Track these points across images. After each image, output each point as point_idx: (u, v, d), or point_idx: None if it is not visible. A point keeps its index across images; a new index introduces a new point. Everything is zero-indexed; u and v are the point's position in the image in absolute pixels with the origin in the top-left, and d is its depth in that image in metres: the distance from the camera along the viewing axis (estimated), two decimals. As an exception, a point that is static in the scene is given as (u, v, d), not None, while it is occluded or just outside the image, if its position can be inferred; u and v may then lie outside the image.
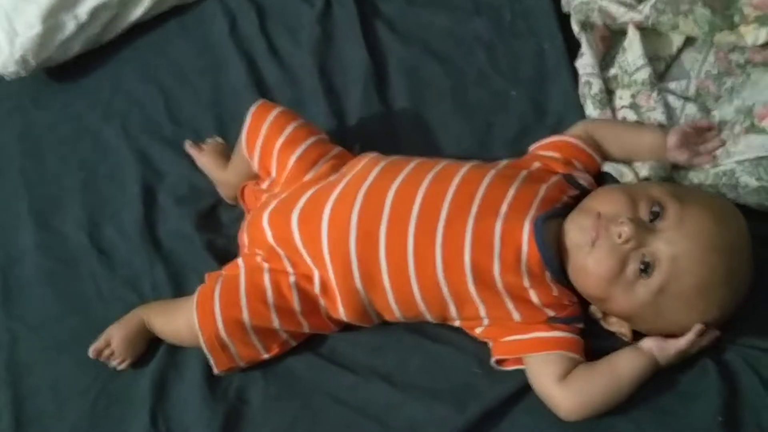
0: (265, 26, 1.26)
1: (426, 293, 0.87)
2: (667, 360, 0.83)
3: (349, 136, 1.09)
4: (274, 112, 0.98)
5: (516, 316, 0.86)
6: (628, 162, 0.96)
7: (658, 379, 0.85)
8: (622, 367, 0.83)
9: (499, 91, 1.12)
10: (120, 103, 1.23)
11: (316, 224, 0.90)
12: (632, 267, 0.81)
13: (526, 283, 0.85)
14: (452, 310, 0.88)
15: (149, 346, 0.98)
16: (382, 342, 0.93)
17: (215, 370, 0.92)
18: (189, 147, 1.11)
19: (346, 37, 1.21)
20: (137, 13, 1.28)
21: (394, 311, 0.90)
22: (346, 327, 0.95)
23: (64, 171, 1.17)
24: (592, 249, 0.83)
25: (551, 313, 0.86)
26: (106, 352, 0.95)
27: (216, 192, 1.10)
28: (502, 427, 0.85)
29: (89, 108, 1.24)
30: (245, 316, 0.89)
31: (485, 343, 0.90)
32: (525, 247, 0.84)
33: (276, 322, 0.89)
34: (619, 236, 0.81)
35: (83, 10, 1.24)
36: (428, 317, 0.90)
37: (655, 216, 0.82)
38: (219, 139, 1.12)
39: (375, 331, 0.94)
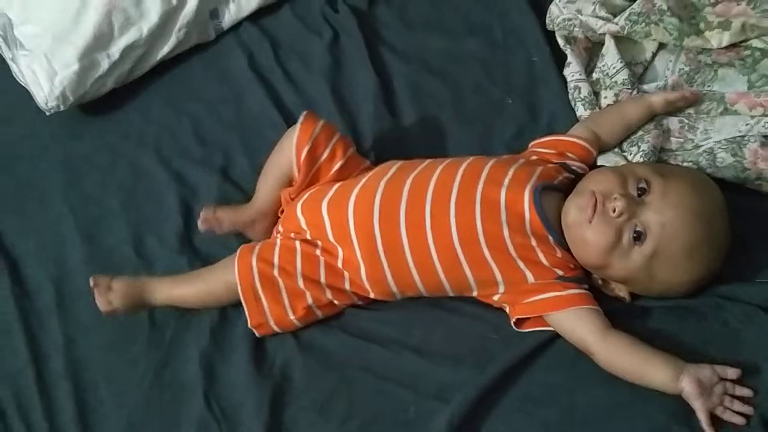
0: (279, 57, 1.39)
1: (444, 263, 0.98)
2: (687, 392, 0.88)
3: (363, 145, 1.21)
4: (320, 123, 1.09)
5: (529, 276, 0.97)
6: (625, 139, 1.10)
7: (659, 334, 0.95)
8: (657, 373, 0.90)
9: (496, 99, 1.25)
10: (151, 132, 1.34)
11: (344, 209, 1.02)
12: (627, 236, 0.93)
13: (533, 242, 0.96)
14: (470, 278, 0.99)
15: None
16: (406, 318, 1.04)
17: (249, 323, 1.02)
18: (204, 225, 1.12)
19: (354, 61, 1.34)
20: (164, 51, 1.41)
21: (416, 284, 1.01)
22: (370, 304, 1.05)
23: (104, 194, 1.27)
24: (590, 224, 0.94)
25: (560, 272, 0.97)
26: (101, 287, 1.06)
27: (249, 198, 1.20)
28: (520, 383, 0.95)
29: (122, 138, 1.35)
30: (276, 272, 1.01)
31: (500, 312, 1.01)
32: (527, 213, 0.96)
33: (300, 282, 1.00)
34: (614, 210, 0.93)
35: (115, 50, 1.36)
36: (447, 288, 1.01)
37: (642, 191, 0.95)
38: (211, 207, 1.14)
39: (399, 309, 1.05)
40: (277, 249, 1.03)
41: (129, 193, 1.27)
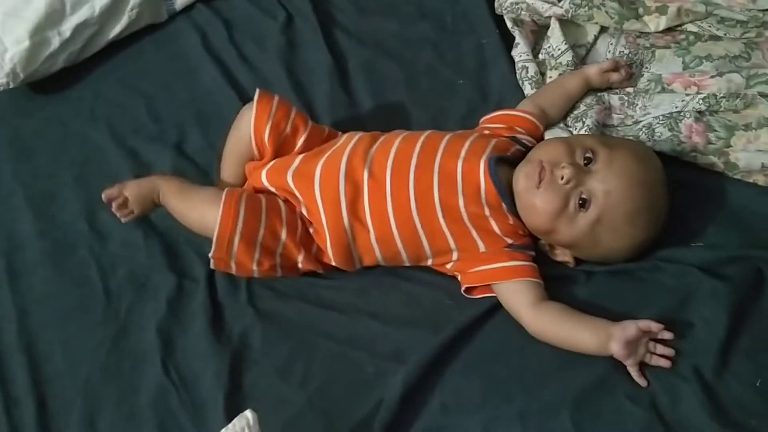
0: (233, 38, 1.40)
1: (402, 231, 1.02)
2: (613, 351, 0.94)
3: (320, 124, 1.24)
4: (275, 100, 1.11)
5: (481, 245, 1.01)
6: (569, 114, 1.17)
7: (601, 295, 1.01)
8: (584, 342, 0.96)
9: (447, 80, 1.29)
10: (103, 109, 1.34)
11: (310, 179, 1.04)
12: (573, 203, 0.98)
13: (487, 212, 1.01)
14: (425, 246, 1.03)
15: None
16: (364, 285, 1.07)
17: (212, 264, 1.04)
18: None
19: (309, 43, 1.37)
20: (115, 30, 1.40)
21: (375, 252, 1.04)
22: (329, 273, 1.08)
23: (56, 169, 1.27)
24: (538, 191, 0.99)
25: (509, 240, 1.01)
26: (119, 201, 1.07)
27: (204, 176, 1.21)
28: (474, 343, 1.00)
29: (74, 115, 1.34)
30: (261, 227, 1.02)
31: (454, 280, 1.05)
32: (482, 183, 1.01)
33: (283, 237, 1.02)
34: (561, 178, 0.98)
35: (67, 28, 1.35)
36: (404, 257, 1.05)
37: (589, 161, 1.00)
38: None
39: (357, 278, 1.08)
40: (264, 201, 1.04)
41: (82, 169, 1.26)
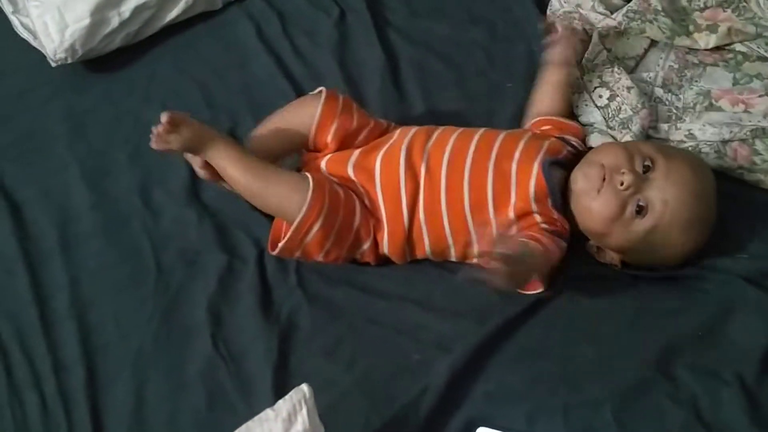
0: (287, 30, 1.43)
1: (454, 227, 1.05)
2: None
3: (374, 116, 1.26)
4: (340, 101, 1.12)
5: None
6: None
7: (646, 299, 1.03)
8: None
9: (496, 83, 1.32)
10: (157, 91, 1.37)
11: (370, 170, 1.07)
12: (630, 209, 1.01)
13: (534, 207, 1.03)
14: (473, 243, 1.05)
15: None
16: (410, 275, 1.10)
17: (274, 250, 1.05)
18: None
19: (361, 39, 1.40)
20: (172, 14, 1.44)
21: (425, 245, 1.07)
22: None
23: (109, 146, 1.29)
24: (597, 194, 1.01)
25: (544, 225, 1.03)
26: (167, 128, 1.03)
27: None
28: (517, 336, 1.02)
29: (127, 95, 1.37)
30: (338, 220, 1.03)
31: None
32: (533, 180, 1.03)
33: (354, 229, 1.04)
34: (621, 184, 1.00)
35: (126, 8, 1.39)
36: (452, 252, 1.08)
37: (647, 169, 1.02)
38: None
39: (403, 267, 1.11)
40: (342, 194, 1.04)
41: (135, 147, 1.28)
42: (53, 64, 1.37)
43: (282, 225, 1.08)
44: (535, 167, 1.04)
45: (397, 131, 1.14)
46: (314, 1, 1.47)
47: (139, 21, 1.41)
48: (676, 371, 0.96)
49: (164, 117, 1.03)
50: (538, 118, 1.19)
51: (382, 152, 1.09)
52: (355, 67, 1.36)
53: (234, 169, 1.06)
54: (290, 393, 0.86)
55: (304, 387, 0.86)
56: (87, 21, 1.36)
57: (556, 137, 1.13)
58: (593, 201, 1.02)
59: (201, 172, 1.14)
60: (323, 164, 1.12)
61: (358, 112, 1.14)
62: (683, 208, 1.00)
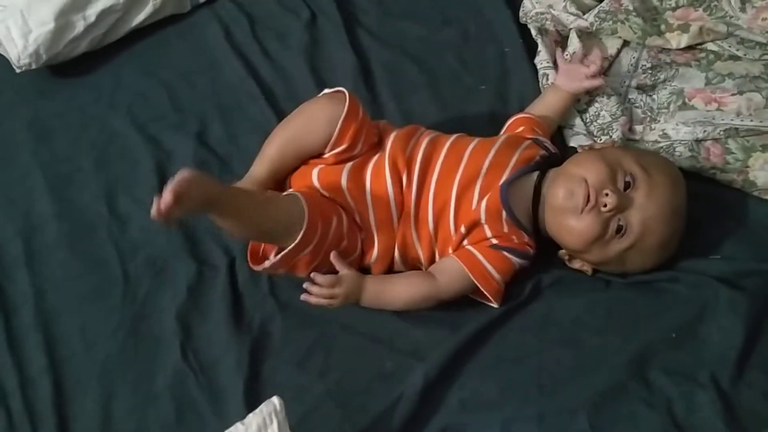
0: (256, 33, 1.41)
1: (420, 234, 1.06)
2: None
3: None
4: (362, 109, 1.07)
5: (465, 243, 1.04)
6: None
7: (619, 303, 1.03)
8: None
9: (469, 86, 1.31)
10: (124, 96, 1.34)
11: (362, 187, 1.05)
12: (611, 228, 1.00)
13: (483, 218, 1.03)
14: (436, 252, 1.06)
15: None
16: (384, 282, 1.08)
17: (274, 264, 0.99)
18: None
19: (333, 41, 1.38)
20: (139, 18, 1.41)
21: (395, 256, 1.07)
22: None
23: (75, 152, 1.26)
24: (581, 215, 1.00)
25: (495, 241, 1.03)
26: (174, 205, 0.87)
27: (224, 166, 1.22)
28: (492, 343, 1.01)
29: (94, 100, 1.34)
30: (328, 241, 1.00)
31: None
32: (487, 195, 1.03)
33: (342, 247, 1.02)
34: (605, 206, 0.99)
35: (92, 12, 1.36)
36: (421, 260, 1.07)
37: (628, 185, 1.01)
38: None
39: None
40: (333, 216, 1.01)
41: (101, 153, 1.26)
42: (17, 70, 1.34)
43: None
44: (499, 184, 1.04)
45: (387, 139, 1.09)
46: (284, 2, 1.45)
47: (105, 25, 1.38)
48: (650, 375, 0.96)
49: (168, 195, 0.87)
50: (516, 117, 1.18)
51: (370, 167, 1.07)
52: (326, 70, 1.34)
53: (231, 224, 0.97)
54: (261, 406, 0.84)
55: (275, 399, 0.84)
56: (51, 25, 1.33)
57: (529, 138, 1.11)
58: (576, 221, 1.00)
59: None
60: (314, 175, 1.07)
61: (371, 126, 1.10)
62: (662, 226, 1.00)
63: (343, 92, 1.06)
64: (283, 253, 0.98)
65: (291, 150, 1.08)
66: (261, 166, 1.08)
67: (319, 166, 1.07)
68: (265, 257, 1.03)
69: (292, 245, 0.97)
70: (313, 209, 0.98)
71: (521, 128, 1.15)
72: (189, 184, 0.87)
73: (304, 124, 1.07)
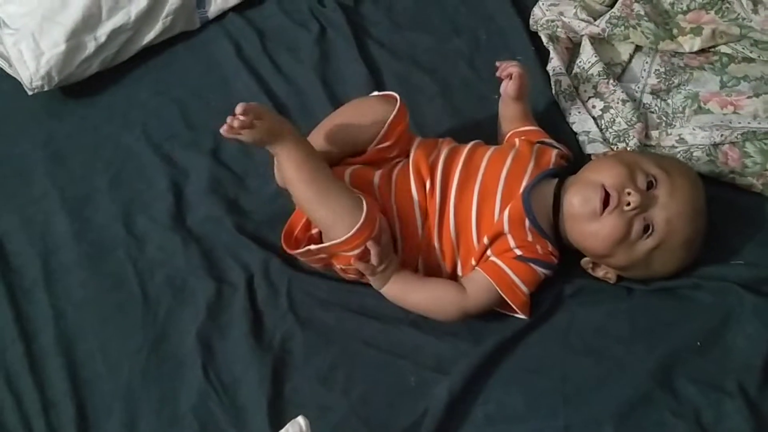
0: (267, 48, 1.41)
1: (444, 246, 1.05)
2: None
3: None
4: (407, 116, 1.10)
5: (490, 255, 1.03)
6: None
7: (642, 311, 1.02)
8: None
9: (482, 95, 1.30)
10: (137, 115, 1.34)
11: (389, 183, 1.05)
12: (636, 229, 0.99)
13: (506, 228, 1.02)
14: (458, 264, 1.06)
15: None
16: (405, 295, 1.08)
17: (290, 249, 1.03)
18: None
19: (343, 55, 1.38)
20: (150, 36, 1.41)
21: (419, 263, 1.06)
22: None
23: (90, 173, 1.27)
24: (602, 216, 0.99)
25: (519, 252, 1.02)
26: (245, 121, 0.97)
27: (240, 183, 1.22)
28: (515, 354, 1.00)
29: (107, 120, 1.34)
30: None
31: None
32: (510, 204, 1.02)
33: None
34: (628, 204, 0.98)
35: (102, 33, 1.36)
36: (444, 269, 1.06)
37: (650, 186, 1.00)
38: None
39: (398, 287, 1.08)
40: (379, 217, 1.01)
41: (116, 173, 1.26)
42: (30, 92, 1.34)
43: (300, 218, 1.04)
44: (520, 192, 1.03)
45: (410, 147, 1.10)
46: (294, 17, 1.45)
47: (116, 45, 1.38)
48: (676, 384, 0.95)
49: (239, 109, 0.97)
50: (510, 133, 1.17)
51: (395, 174, 1.07)
52: (338, 83, 1.34)
53: (295, 172, 1.00)
54: (287, 426, 0.84)
55: (300, 420, 0.84)
56: (63, 47, 1.33)
57: (536, 142, 1.11)
58: (599, 225, 0.99)
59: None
60: (347, 176, 1.07)
61: (411, 135, 1.12)
62: (687, 225, 0.99)
63: (395, 96, 1.08)
64: (328, 244, 0.98)
65: (339, 139, 1.08)
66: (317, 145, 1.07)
67: (353, 167, 1.08)
68: (297, 243, 1.03)
69: (341, 239, 0.97)
70: (371, 211, 0.98)
71: (522, 138, 1.14)
72: (264, 110, 1.01)
73: (356, 116, 1.09)
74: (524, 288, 1.00)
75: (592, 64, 1.25)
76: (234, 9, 1.47)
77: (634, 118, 1.17)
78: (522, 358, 1.00)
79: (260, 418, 0.97)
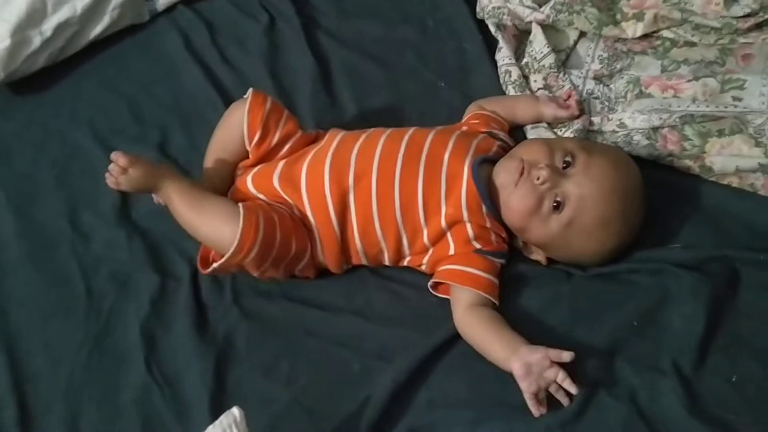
0: (216, 40, 1.41)
1: (386, 231, 1.04)
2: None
3: (303, 126, 1.24)
4: (269, 100, 1.10)
5: (451, 248, 1.03)
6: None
7: (582, 295, 1.03)
8: (495, 351, 0.96)
9: (429, 84, 1.30)
10: (84, 110, 1.33)
11: (296, 182, 1.05)
12: (547, 204, 1.00)
13: (465, 216, 1.02)
14: (405, 246, 1.05)
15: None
16: (348, 284, 1.08)
17: (207, 271, 1.04)
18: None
19: (292, 45, 1.38)
20: (97, 30, 1.40)
21: (359, 251, 1.05)
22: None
23: (35, 170, 1.26)
24: (515, 188, 1.01)
25: (478, 245, 1.03)
26: (119, 169, 1.04)
27: (186, 173, 1.20)
28: (459, 341, 1.00)
29: (53, 116, 1.33)
30: (276, 243, 1.00)
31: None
32: (464, 187, 1.02)
33: (293, 250, 1.02)
34: (537, 178, 0.99)
35: (48, 27, 1.35)
36: (385, 256, 1.06)
37: (567, 164, 1.02)
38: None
39: (341, 277, 1.09)
40: (276, 217, 1.02)
41: (63, 169, 1.25)
42: (-27, 89, 1.33)
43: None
44: (465, 169, 1.03)
45: (326, 137, 1.11)
46: (243, 7, 1.45)
47: (63, 39, 1.37)
48: (614, 365, 0.96)
49: (113, 156, 1.04)
50: (472, 113, 1.18)
51: (306, 161, 1.07)
52: (286, 74, 1.34)
53: (178, 205, 1.04)
54: (221, 417, 0.84)
55: (235, 410, 0.84)
56: (7, 42, 1.31)
57: (484, 132, 1.11)
58: (511, 195, 1.01)
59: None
60: (249, 181, 1.08)
61: (288, 116, 1.11)
62: (601, 203, 0.99)
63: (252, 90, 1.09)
64: (223, 259, 0.99)
65: (217, 158, 1.12)
66: (207, 174, 1.12)
67: (252, 172, 1.08)
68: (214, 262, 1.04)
69: (231, 250, 0.98)
70: (251, 213, 0.99)
71: (476, 122, 1.15)
72: (135, 157, 1.05)
73: (221, 129, 1.12)
74: (487, 276, 1.02)
75: (545, 55, 1.25)
76: (183, 1, 1.46)
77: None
78: (466, 344, 1.00)
79: (202, 410, 0.97)
